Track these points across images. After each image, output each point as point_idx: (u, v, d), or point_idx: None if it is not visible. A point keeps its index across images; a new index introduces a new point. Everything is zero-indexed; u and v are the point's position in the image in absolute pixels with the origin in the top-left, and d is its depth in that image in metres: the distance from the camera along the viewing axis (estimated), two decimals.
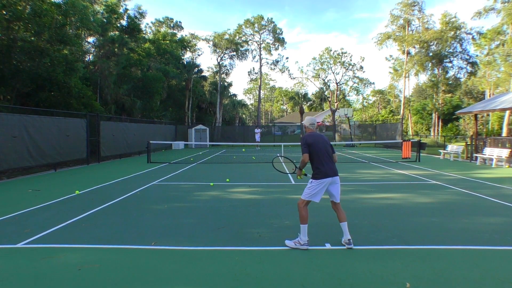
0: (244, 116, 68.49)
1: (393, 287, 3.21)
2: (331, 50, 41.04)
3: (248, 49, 43.06)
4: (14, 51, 13.71)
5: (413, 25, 38.38)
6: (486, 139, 16.26)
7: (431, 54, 36.99)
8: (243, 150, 18.36)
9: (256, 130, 26.58)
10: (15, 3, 12.93)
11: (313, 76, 43.28)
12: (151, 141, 16.98)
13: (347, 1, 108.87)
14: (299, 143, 4.78)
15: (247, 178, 10.71)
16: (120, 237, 4.79)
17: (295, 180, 10.11)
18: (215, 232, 5.01)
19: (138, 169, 13.20)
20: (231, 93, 48.65)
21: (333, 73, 41.54)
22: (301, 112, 42.01)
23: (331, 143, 4.57)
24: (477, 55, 36.18)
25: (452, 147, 17.19)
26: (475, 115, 18.42)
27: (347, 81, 43.42)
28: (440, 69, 38.84)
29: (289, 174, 10.31)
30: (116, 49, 24.02)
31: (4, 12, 12.77)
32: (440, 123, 39.87)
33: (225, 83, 44.02)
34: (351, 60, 41.30)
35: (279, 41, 43.10)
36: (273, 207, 6.55)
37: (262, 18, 41.87)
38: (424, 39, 35.55)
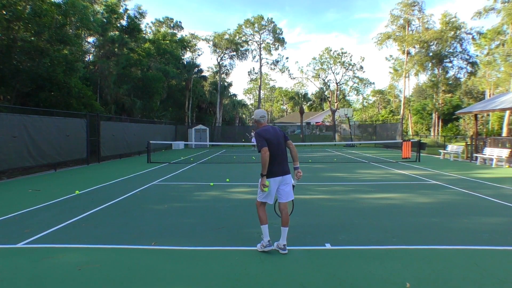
0: (244, 116, 68.45)
1: (393, 287, 3.21)
2: (331, 50, 41.08)
3: (248, 49, 43.07)
4: (14, 51, 13.70)
5: (413, 25, 38.36)
6: (486, 139, 16.26)
7: (431, 54, 36.97)
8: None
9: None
10: (15, 3, 12.92)
11: (313, 76, 43.32)
12: (151, 141, 16.98)
13: (347, 2, 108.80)
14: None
15: (247, 178, 10.71)
16: (120, 237, 4.79)
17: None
18: (215, 232, 5.01)
19: (138, 169, 13.20)
20: (231, 93, 48.63)
21: (333, 73, 41.58)
22: (301, 112, 42.05)
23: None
24: (477, 55, 36.19)
25: (452, 147, 17.19)
26: (475, 115, 18.43)
27: (347, 81, 43.47)
28: (440, 69, 38.82)
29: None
30: (116, 49, 24.02)
31: (4, 12, 12.76)
32: (440, 123, 39.86)
33: (225, 83, 44.02)
34: (351, 60, 41.35)
35: (279, 41, 43.10)
36: (273, 207, 6.54)
37: (262, 18, 41.87)
38: (424, 39, 35.53)
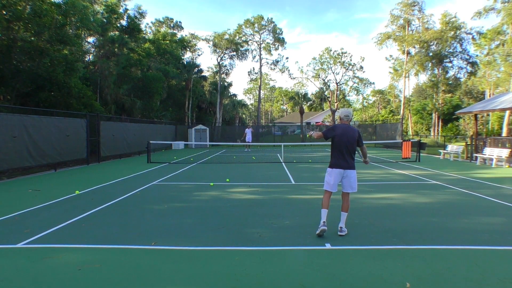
0: (244, 116, 68.48)
1: (393, 287, 3.21)
2: (331, 50, 41.06)
3: (248, 49, 43.11)
4: (14, 51, 13.71)
5: (413, 25, 38.38)
6: (486, 139, 16.25)
7: (431, 54, 36.97)
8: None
9: (247, 130, 23.95)
10: (15, 3, 12.92)
11: (313, 76, 43.30)
12: (151, 141, 16.97)
13: (347, 2, 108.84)
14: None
15: (247, 178, 10.71)
16: (120, 237, 4.79)
17: (295, 180, 10.12)
18: (215, 232, 5.01)
19: (138, 169, 13.20)
20: (231, 93, 48.63)
21: (333, 73, 41.57)
22: (301, 112, 42.08)
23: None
24: (477, 55, 36.19)
25: (452, 147, 17.19)
26: (475, 115, 18.42)
27: (347, 81, 43.44)
28: (440, 69, 38.82)
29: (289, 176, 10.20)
30: (116, 49, 24.02)
31: (4, 12, 12.76)
32: (440, 123, 39.86)
33: (225, 83, 44.02)
34: (351, 60, 41.33)
35: (279, 41, 43.14)
36: (273, 207, 6.55)
37: (262, 18, 41.92)
38: (424, 39, 35.52)
